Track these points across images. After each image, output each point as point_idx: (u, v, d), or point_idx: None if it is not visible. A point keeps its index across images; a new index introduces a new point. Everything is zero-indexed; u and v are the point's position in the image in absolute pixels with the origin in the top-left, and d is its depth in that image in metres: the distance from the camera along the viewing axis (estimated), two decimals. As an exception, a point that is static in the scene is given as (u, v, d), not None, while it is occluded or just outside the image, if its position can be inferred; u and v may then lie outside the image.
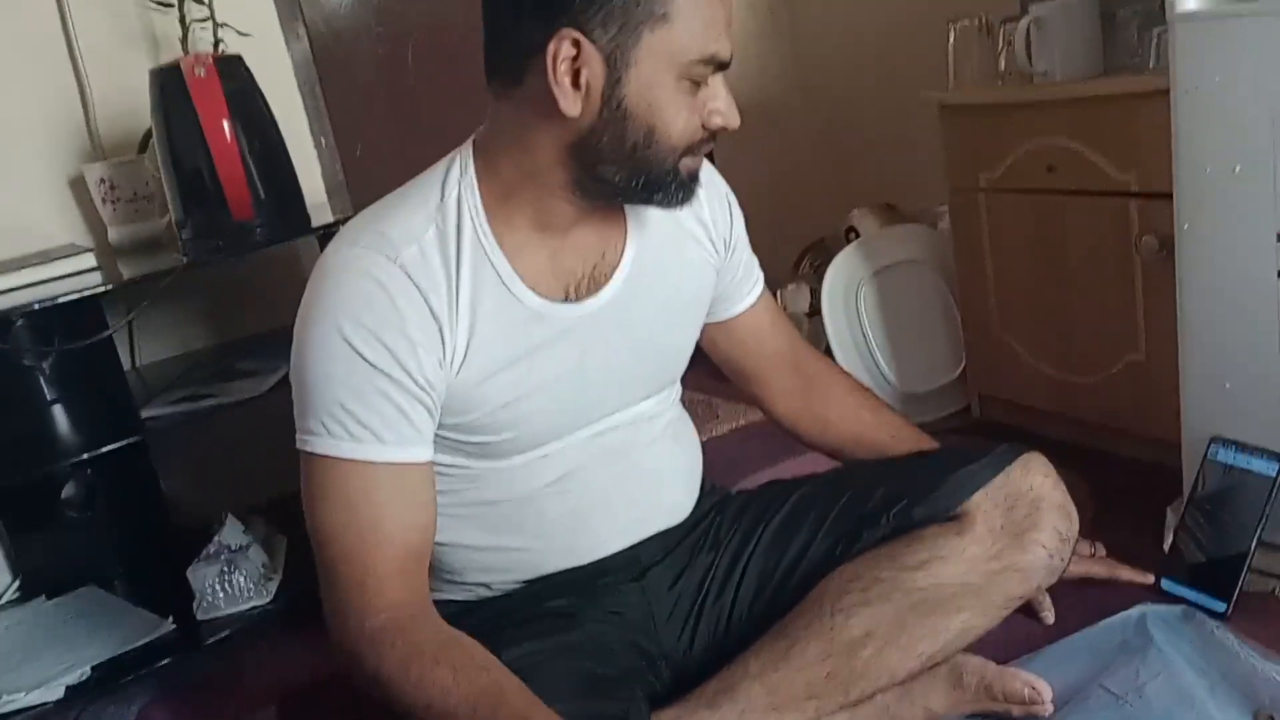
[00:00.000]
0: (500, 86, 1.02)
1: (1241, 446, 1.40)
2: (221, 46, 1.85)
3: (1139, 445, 1.83)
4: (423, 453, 1.03)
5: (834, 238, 2.61)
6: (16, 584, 1.90)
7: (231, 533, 1.76)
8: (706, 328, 1.28)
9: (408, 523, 1.02)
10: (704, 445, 1.31)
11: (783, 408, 1.36)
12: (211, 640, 1.66)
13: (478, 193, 1.04)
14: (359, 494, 1.00)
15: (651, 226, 1.15)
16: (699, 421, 1.30)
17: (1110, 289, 1.78)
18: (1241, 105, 1.30)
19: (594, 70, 0.96)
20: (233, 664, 1.69)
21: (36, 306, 1.58)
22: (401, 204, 1.05)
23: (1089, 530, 1.37)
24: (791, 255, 2.75)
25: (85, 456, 1.68)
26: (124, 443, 1.66)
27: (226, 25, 1.87)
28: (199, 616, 1.70)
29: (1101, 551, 1.43)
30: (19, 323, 1.72)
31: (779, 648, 1.10)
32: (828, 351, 2.19)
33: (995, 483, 1.15)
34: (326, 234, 1.82)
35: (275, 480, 1.71)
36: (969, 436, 2.09)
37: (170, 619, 1.68)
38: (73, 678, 1.55)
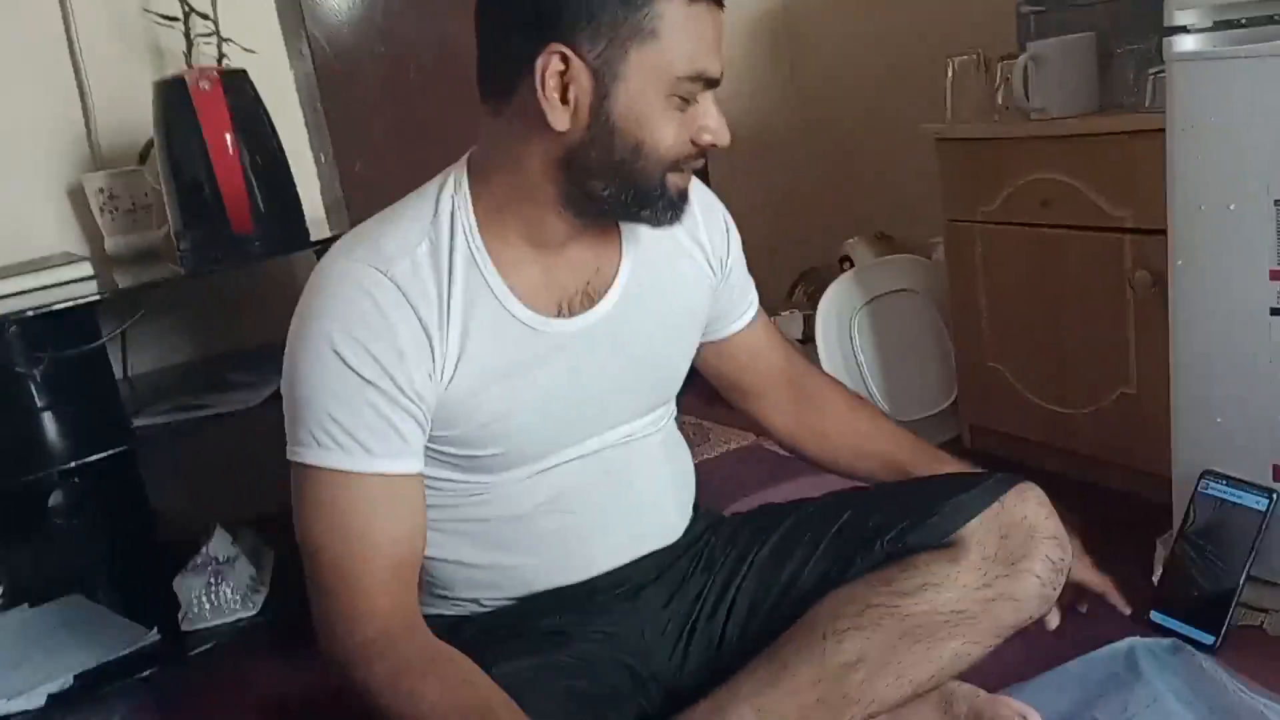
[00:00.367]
0: (492, 102, 1.03)
1: (1232, 481, 1.41)
2: (225, 61, 1.86)
3: (1129, 477, 1.84)
4: (412, 465, 1.03)
5: (828, 266, 2.63)
6: (0, 591, 1.88)
7: (219, 544, 1.75)
8: (703, 347, 1.28)
9: (396, 534, 1.02)
10: (695, 468, 1.31)
11: (780, 423, 1.36)
12: (196, 652, 1.64)
13: (471, 208, 1.05)
14: (347, 505, 1.00)
15: (648, 244, 1.15)
16: (690, 445, 1.30)
17: (1103, 322, 1.80)
18: (1237, 144, 1.32)
19: (582, 85, 0.97)
20: (217, 676, 1.67)
21: (30, 313, 1.58)
22: (396, 219, 1.06)
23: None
24: (786, 282, 2.77)
25: (73, 464, 1.66)
26: (113, 452, 1.65)
27: (230, 40, 1.88)
28: (184, 628, 1.69)
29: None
30: (12, 329, 1.72)
31: (770, 671, 1.10)
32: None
33: (990, 511, 1.15)
34: (324, 249, 1.80)
35: (265, 493, 1.70)
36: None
37: (155, 629, 1.66)
38: (55, 686, 1.54)
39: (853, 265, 2.46)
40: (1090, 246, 1.79)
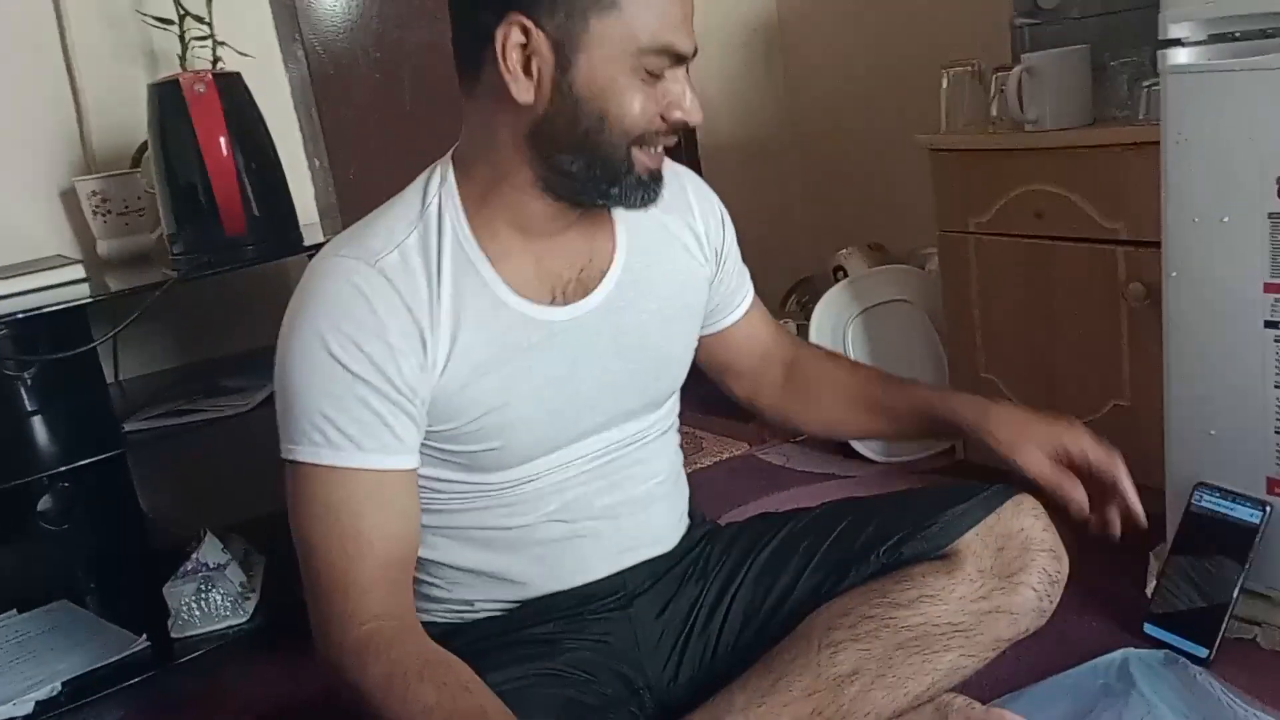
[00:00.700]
0: (466, 84, 1.04)
1: (1225, 493, 1.41)
2: (220, 65, 1.86)
3: (1122, 490, 1.84)
4: (404, 461, 1.03)
5: (822, 276, 2.63)
6: (-13, 597, 1.87)
7: (210, 550, 1.74)
8: (701, 339, 1.28)
9: (389, 532, 1.01)
10: (689, 478, 1.31)
11: (769, 399, 1.35)
12: (185, 659, 1.63)
13: (458, 198, 1.05)
14: (340, 502, 0.99)
15: (642, 234, 1.15)
16: (684, 454, 1.30)
17: (1096, 334, 1.80)
18: (1231, 156, 1.32)
19: (544, 56, 0.97)
20: (206, 683, 1.66)
21: (20, 316, 1.57)
22: (385, 215, 1.07)
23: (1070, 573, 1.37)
24: (779, 292, 2.77)
25: (63, 469, 1.66)
26: (103, 456, 1.64)
27: (225, 44, 1.88)
28: (173, 634, 1.68)
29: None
30: (2, 332, 1.71)
31: (765, 681, 1.09)
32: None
33: (986, 523, 1.15)
34: (317, 253, 1.82)
35: (256, 499, 1.70)
36: (953, 477, 2.10)
37: (144, 636, 1.65)
38: (42, 693, 1.53)
39: (846, 275, 2.46)
40: (1084, 258, 1.79)
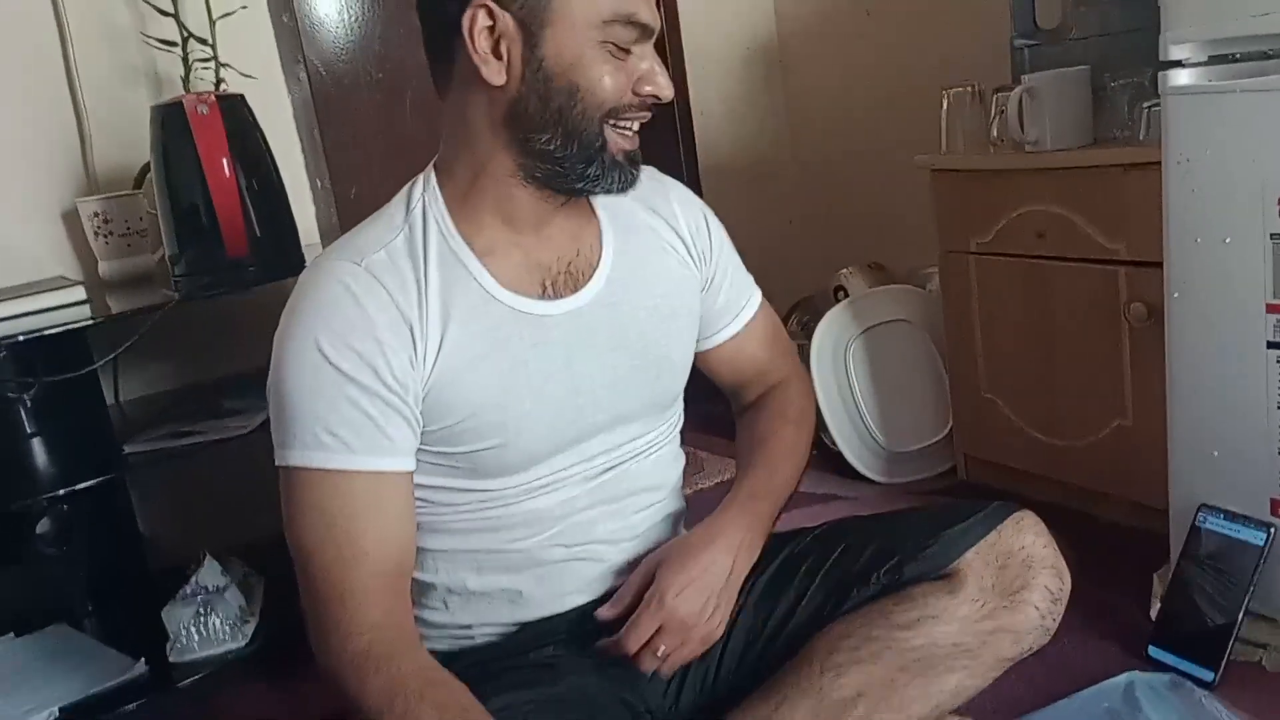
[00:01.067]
0: (440, 81, 1.06)
1: (1229, 515, 1.41)
2: (223, 86, 1.87)
3: (1125, 510, 1.83)
4: (398, 463, 1.02)
5: (822, 296, 2.63)
6: (-16, 620, 1.86)
7: (209, 573, 1.74)
8: (706, 353, 1.27)
9: (384, 536, 1.01)
10: (687, 499, 1.30)
11: (737, 410, 1.35)
12: (184, 683, 1.62)
13: (441, 198, 1.07)
14: (333, 506, 0.99)
15: (630, 233, 1.16)
16: (684, 474, 1.29)
17: (1098, 354, 1.80)
18: (1232, 177, 1.32)
19: (511, 36, 0.99)
20: (205, 708, 1.65)
21: (21, 338, 1.57)
22: (371, 224, 1.09)
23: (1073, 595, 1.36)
24: (780, 312, 2.76)
25: (62, 491, 1.65)
26: (103, 479, 1.63)
27: (228, 66, 1.89)
28: (172, 658, 1.67)
29: None
30: (2, 354, 1.70)
31: (768, 706, 1.08)
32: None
33: (987, 541, 1.14)
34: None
35: (256, 521, 1.69)
36: (955, 497, 2.09)
37: (142, 660, 1.64)
38: (40, 718, 1.51)
39: (847, 295, 2.46)
40: (1085, 278, 1.79)
